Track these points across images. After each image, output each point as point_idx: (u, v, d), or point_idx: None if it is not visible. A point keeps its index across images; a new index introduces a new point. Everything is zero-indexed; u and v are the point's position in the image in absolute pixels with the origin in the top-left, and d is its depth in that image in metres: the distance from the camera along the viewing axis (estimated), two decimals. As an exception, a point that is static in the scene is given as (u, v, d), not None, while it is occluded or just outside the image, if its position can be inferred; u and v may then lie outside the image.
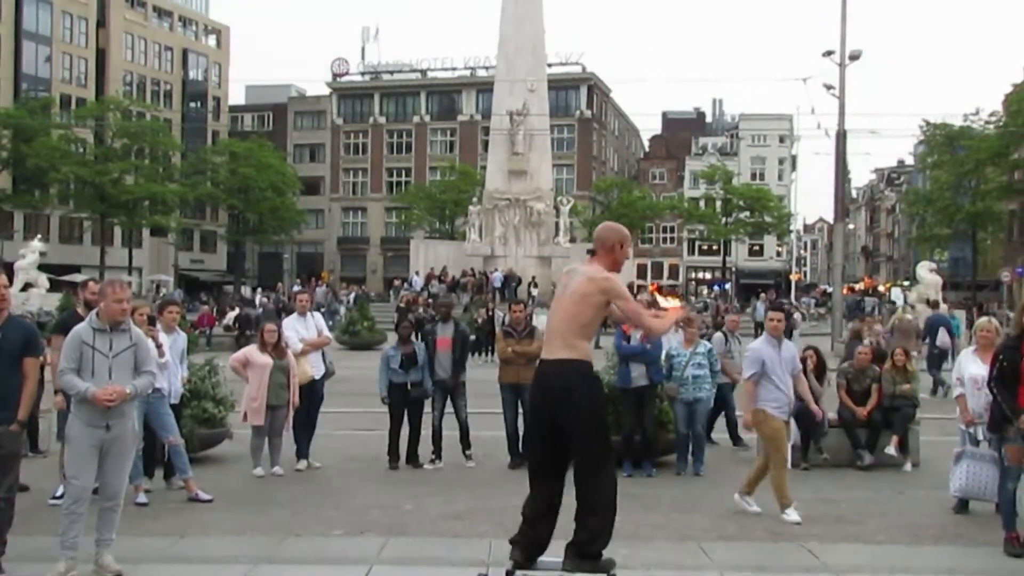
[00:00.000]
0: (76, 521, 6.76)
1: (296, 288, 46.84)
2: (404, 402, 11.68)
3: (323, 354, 12.08)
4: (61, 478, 8.06)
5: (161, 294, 55.41)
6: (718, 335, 13.86)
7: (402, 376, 11.64)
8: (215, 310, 40.94)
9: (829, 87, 32.28)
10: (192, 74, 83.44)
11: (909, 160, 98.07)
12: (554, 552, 6.26)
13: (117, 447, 6.90)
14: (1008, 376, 7.84)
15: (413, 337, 12.79)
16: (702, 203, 75.50)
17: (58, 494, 8.74)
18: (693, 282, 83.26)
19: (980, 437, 9.11)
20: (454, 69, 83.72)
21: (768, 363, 9.10)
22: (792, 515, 8.87)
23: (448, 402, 11.96)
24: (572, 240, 52.09)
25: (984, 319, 10.13)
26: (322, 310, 43.84)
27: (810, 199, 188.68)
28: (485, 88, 69.77)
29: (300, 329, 11.78)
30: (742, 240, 77.20)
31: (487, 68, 73.52)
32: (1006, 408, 7.80)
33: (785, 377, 9.16)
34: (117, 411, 6.82)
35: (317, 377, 11.71)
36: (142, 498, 9.27)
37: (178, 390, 10.10)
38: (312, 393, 11.59)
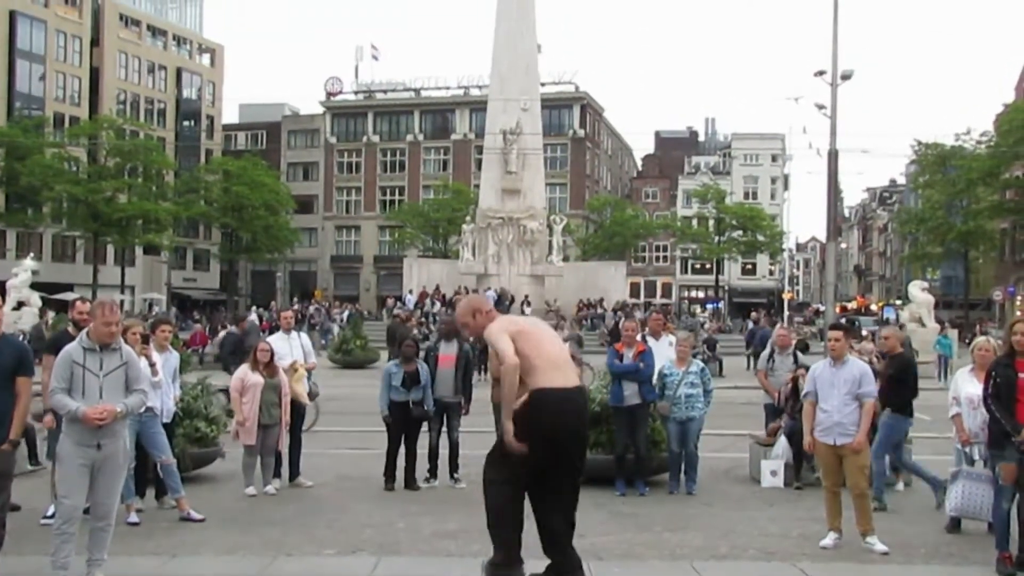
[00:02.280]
0: (67, 541, 6.75)
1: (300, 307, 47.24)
2: (404, 421, 11.57)
3: (307, 374, 12.07)
4: (52, 497, 8.04)
5: (154, 313, 55.31)
6: (765, 352, 13.82)
7: (403, 395, 11.54)
8: (208, 329, 40.86)
9: (821, 107, 32.38)
10: (186, 93, 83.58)
11: (901, 179, 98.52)
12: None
13: (108, 466, 6.88)
14: (1003, 393, 7.86)
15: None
16: (695, 222, 75.74)
17: (49, 513, 8.71)
18: (686, 301, 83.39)
19: (976, 457, 9.11)
20: (447, 88, 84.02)
21: (818, 383, 8.88)
22: (827, 540, 8.73)
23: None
24: (565, 259, 52.22)
25: (982, 338, 10.13)
26: (316, 328, 43.97)
27: (803, 218, 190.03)
28: (478, 107, 70.02)
29: (283, 347, 11.78)
30: (735, 259, 77.38)
31: (480, 87, 73.79)
32: (1005, 423, 7.80)
33: (836, 399, 8.74)
34: (108, 430, 6.81)
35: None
36: (134, 518, 9.23)
37: (170, 409, 10.07)
38: (294, 412, 11.57)
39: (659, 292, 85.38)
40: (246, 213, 68.04)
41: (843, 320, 38.19)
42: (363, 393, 17.26)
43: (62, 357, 6.91)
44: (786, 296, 76.94)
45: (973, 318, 54.58)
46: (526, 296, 45.96)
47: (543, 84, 58.21)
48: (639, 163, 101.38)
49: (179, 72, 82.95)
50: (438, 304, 46.87)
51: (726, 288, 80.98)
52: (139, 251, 69.48)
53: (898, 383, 10.84)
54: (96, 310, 7.08)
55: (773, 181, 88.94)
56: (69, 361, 6.85)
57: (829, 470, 8.86)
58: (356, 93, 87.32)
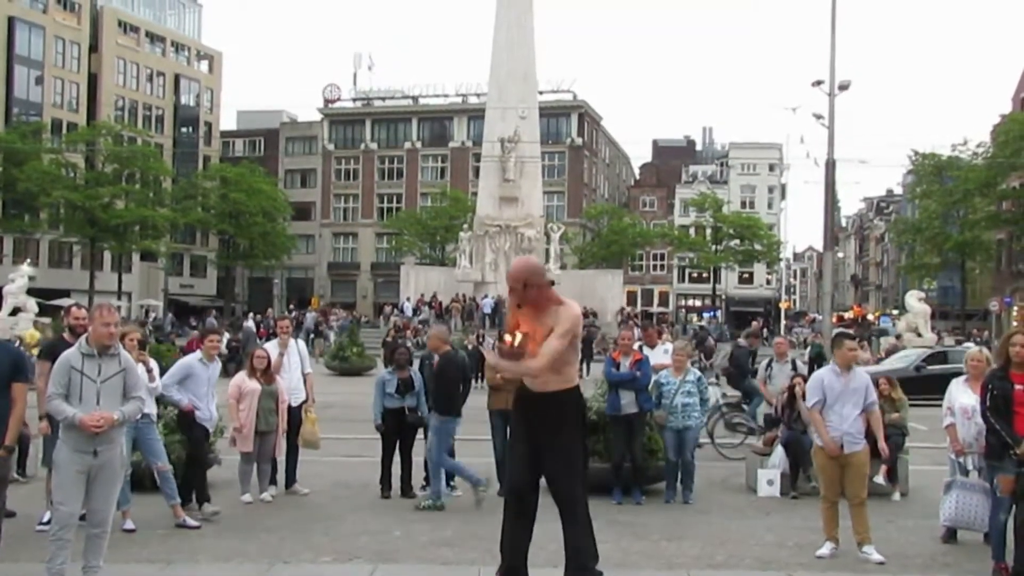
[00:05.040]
0: (63, 547, 6.73)
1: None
2: (399, 428, 11.54)
3: (304, 380, 12.03)
4: (48, 504, 8.02)
5: (151, 319, 55.20)
6: (766, 361, 13.88)
7: (398, 401, 11.49)
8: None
9: (819, 116, 32.40)
10: (184, 99, 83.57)
11: (898, 189, 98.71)
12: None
13: (105, 473, 6.86)
14: (1000, 405, 7.86)
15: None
16: (692, 231, 75.84)
17: (45, 520, 8.70)
18: (683, 310, 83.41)
19: (970, 467, 9.11)
20: (445, 96, 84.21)
21: (828, 392, 8.83)
22: (823, 549, 8.73)
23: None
24: (562, 267, 52.17)
25: (975, 348, 10.13)
26: (312, 336, 43.93)
27: (800, 227, 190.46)
28: (476, 115, 70.06)
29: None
30: (732, 268, 77.45)
31: (478, 95, 73.90)
32: (1005, 436, 7.79)
33: (845, 408, 8.73)
34: (105, 437, 6.79)
35: (295, 404, 11.68)
36: (130, 524, 9.22)
37: (215, 417, 10.32)
38: (290, 419, 11.56)
39: (656, 301, 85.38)
40: (243, 220, 68.07)
41: (872, 328, 38.17)
42: (359, 401, 17.26)
43: (60, 362, 6.89)
44: (783, 305, 77.11)
45: (970, 328, 54.63)
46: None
47: (541, 92, 58.34)
48: (636, 172, 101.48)
49: (177, 79, 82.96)
50: (431, 311, 46.79)
51: (723, 297, 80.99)
52: (136, 257, 69.47)
53: (437, 383, 10.99)
54: (94, 312, 7.08)
55: (770, 190, 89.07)
56: (67, 367, 6.83)
57: (831, 480, 8.83)
58: (354, 100, 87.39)
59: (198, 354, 10.52)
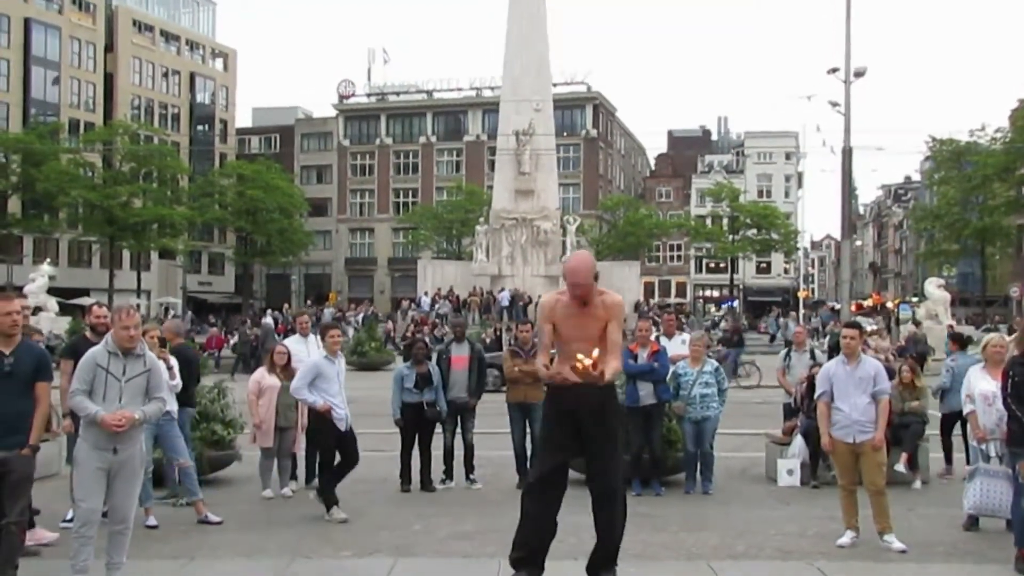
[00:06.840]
0: (86, 544, 6.79)
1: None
2: (417, 422, 11.58)
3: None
4: (71, 501, 8.09)
5: (170, 316, 55.42)
6: (784, 351, 13.88)
7: (416, 396, 11.53)
8: (224, 332, 40.99)
9: (834, 104, 32.25)
10: (199, 97, 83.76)
11: (916, 176, 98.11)
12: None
13: (125, 471, 6.92)
14: (1021, 392, 7.83)
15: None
16: (709, 221, 75.54)
17: (69, 517, 8.76)
18: (701, 300, 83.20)
19: (992, 453, 9.07)
20: (460, 90, 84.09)
21: (834, 382, 8.84)
22: (843, 538, 8.70)
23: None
24: (579, 259, 52.05)
25: (995, 335, 10.07)
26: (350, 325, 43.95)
27: (817, 216, 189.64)
28: (491, 108, 69.99)
29: (300, 350, 11.87)
30: (749, 258, 77.13)
31: (493, 88, 73.76)
32: None
33: (853, 397, 8.71)
34: (125, 435, 6.83)
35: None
36: (152, 521, 9.29)
37: (349, 416, 10.07)
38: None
39: (673, 291, 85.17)
40: (260, 216, 68.29)
41: (915, 322, 37.91)
42: (378, 396, 17.30)
43: (86, 359, 6.95)
44: (801, 294, 76.73)
45: (990, 315, 54.34)
46: (540, 296, 45.85)
47: (555, 85, 58.16)
48: (652, 162, 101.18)
49: (192, 77, 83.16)
50: (448, 305, 46.80)
51: (741, 287, 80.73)
52: (154, 255, 69.78)
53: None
54: (114, 315, 7.13)
55: (787, 179, 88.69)
56: (93, 364, 6.89)
57: (846, 469, 8.84)
58: (368, 95, 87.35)
59: (323, 351, 10.34)
